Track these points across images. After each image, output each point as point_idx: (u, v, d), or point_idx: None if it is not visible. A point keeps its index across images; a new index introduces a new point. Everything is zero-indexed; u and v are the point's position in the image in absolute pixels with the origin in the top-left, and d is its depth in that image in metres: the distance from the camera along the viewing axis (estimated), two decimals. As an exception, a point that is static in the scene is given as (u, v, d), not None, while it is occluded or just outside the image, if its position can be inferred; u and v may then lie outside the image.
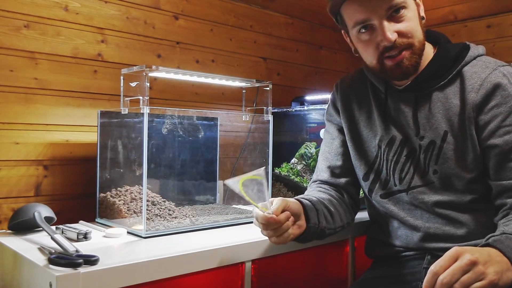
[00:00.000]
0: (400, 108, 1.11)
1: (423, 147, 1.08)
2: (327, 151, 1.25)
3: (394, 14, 1.00)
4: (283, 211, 0.95)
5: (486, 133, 1.02)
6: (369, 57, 1.06)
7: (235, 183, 0.91)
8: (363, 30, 1.03)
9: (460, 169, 1.04)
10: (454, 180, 1.05)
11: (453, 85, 1.06)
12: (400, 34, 1.01)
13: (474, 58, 1.07)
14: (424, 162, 1.08)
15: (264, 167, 0.94)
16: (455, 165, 1.04)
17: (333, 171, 1.22)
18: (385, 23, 1.00)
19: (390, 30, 1.00)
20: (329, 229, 1.11)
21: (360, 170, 1.19)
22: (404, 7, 1.00)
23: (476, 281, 0.76)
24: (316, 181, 1.24)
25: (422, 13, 1.07)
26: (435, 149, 1.06)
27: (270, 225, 0.93)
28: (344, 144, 1.22)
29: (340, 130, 1.24)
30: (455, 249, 0.79)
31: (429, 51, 1.09)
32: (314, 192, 1.18)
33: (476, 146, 1.03)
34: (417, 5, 1.06)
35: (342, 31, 1.13)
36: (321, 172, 1.24)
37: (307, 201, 1.06)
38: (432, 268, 0.77)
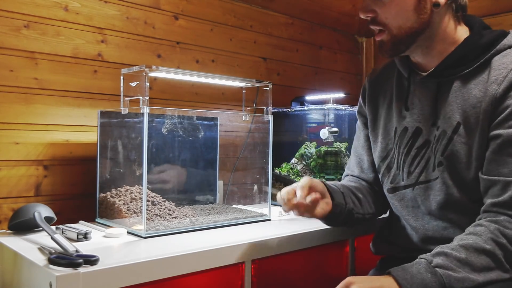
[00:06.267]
0: (421, 96, 1.07)
1: (436, 137, 1.03)
2: (356, 145, 1.26)
3: None
4: (309, 189, 1.00)
5: (494, 124, 0.95)
6: None
7: None
8: None
9: (465, 165, 0.99)
10: (459, 176, 1.00)
11: (479, 75, 0.98)
12: (380, 14, 1.00)
13: (509, 47, 0.98)
14: (434, 154, 1.03)
15: None
16: (462, 160, 0.99)
17: (361, 166, 1.23)
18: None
19: (369, 6, 1.00)
20: (358, 213, 1.13)
21: (376, 163, 1.18)
22: None
23: None
24: (347, 175, 1.27)
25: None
26: (444, 139, 1.01)
27: (299, 208, 0.98)
28: (368, 138, 1.22)
29: (365, 124, 1.23)
30: (346, 280, 0.81)
31: (461, 37, 1.02)
32: (342, 182, 1.21)
33: (484, 142, 0.96)
34: None
35: None
36: (352, 167, 1.26)
37: (330, 184, 1.10)
38: None
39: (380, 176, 1.17)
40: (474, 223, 0.94)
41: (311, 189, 1.00)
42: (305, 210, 0.99)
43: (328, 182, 1.12)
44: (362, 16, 1.01)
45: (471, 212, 0.99)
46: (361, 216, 1.14)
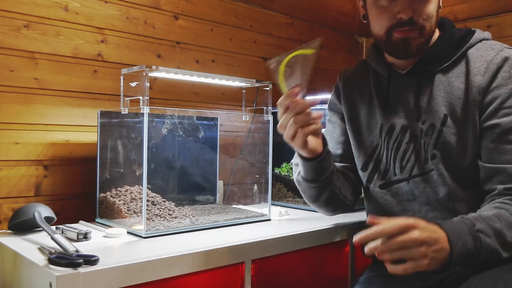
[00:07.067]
0: (402, 93, 1.10)
1: (424, 131, 1.06)
2: (328, 139, 1.26)
3: None
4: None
5: (486, 114, 1.00)
6: (378, 25, 1.05)
7: (279, 63, 0.87)
8: None
9: (459, 154, 1.02)
10: (454, 166, 1.03)
11: (457, 68, 1.05)
12: (418, 13, 1.01)
13: (480, 41, 1.06)
14: (424, 147, 1.06)
15: (321, 37, 0.89)
16: (455, 150, 1.02)
17: (334, 158, 1.24)
18: None
19: (412, 6, 1.00)
20: (335, 185, 1.13)
21: (359, 160, 1.19)
22: None
23: (411, 258, 0.79)
24: None
25: (440, 2, 1.06)
26: (434, 133, 1.04)
27: (297, 106, 0.92)
28: (345, 132, 1.23)
29: (342, 119, 1.24)
30: (410, 222, 0.80)
31: (435, 35, 1.09)
32: None
33: (477, 131, 1.01)
34: None
35: None
36: None
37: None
38: (380, 228, 0.79)
39: (367, 173, 1.18)
40: (493, 202, 0.95)
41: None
42: (304, 120, 0.93)
43: None
44: (406, 17, 1.00)
45: (469, 201, 1.02)
46: (337, 191, 1.15)
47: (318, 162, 1.07)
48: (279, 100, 0.94)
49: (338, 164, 1.23)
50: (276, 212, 1.45)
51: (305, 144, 1.00)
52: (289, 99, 0.93)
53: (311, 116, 0.94)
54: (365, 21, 1.11)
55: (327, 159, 1.09)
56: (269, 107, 1.40)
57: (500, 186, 0.95)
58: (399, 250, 0.79)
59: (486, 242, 0.85)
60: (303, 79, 0.89)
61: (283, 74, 0.88)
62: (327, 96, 1.76)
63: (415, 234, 0.79)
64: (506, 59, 1.00)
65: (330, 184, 1.13)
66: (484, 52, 1.03)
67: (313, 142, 1.03)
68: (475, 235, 0.84)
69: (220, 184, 1.62)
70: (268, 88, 1.40)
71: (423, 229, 0.80)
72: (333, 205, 1.20)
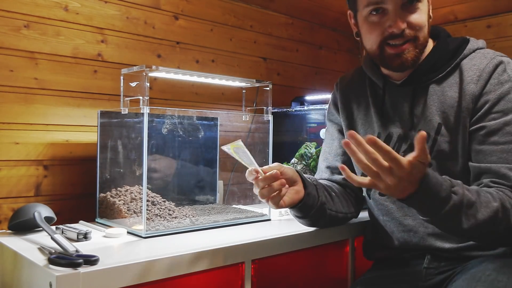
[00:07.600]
0: (397, 103, 1.11)
1: None
2: (327, 151, 1.26)
3: (409, 4, 1.01)
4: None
5: (475, 119, 1.01)
6: (371, 40, 1.06)
7: (228, 148, 1.00)
8: (374, 12, 1.03)
9: (452, 161, 1.03)
10: (447, 173, 1.02)
11: (451, 78, 1.06)
12: (409, 25, 1.01)
13: (474, 51, 1.07)
14: None
15: (239, 140, 1.02)
16: (448, 157, 1.03)
17: (332, 171, 1.24)
18: (400, 11, 1.01)
19: (402, 18, 1.01)
20: (330, 210, 1.13)
21: (358, 168, 1.19)
22: (419, 0, 1.02)
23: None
24: (318, 179, 1.26)
25: (430, 12, 1.07)
26: (429, 142, 1.05)
27: (258, 182, 0.98)
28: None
29: (340, 131, 1.25)
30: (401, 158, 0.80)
31: (429, 45, 1.09)
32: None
33: (466, 136, 1.02)
34: (429, 2, 1.07)
35: (348, 11, 1.13)
36: (322, 172, 1.28)
37: (303, 174, 1.10)
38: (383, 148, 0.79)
39: None
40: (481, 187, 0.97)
41: (280, 174, 1.00)
42: (268, 192, 0.98)
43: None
44: (398, 30, 1.00)
45: None
46: (334, 214, 1.15)
47: (300, 206, 1.07)
48: (246, 175, 1.01)
49: (338, 177, 1.23)
50: (276, 212, 1.45)
51: (281, 204, 1.02)
52: (251, 176, 0.99)
53: (273, 188, 0.98)
54: (358, 38, 1.13)
55: (312, 197, 1.08)
56: (269, 107, 1.40)
57: (486, 180, 0.97)
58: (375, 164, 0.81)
59: (456, 207, 0.87)
60: (251, 157, 1.00)
61: (237, 155, 1.01)
62: (327, 96, 1.77)
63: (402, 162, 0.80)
64: (497, 66, 1.02)
65: (323, 213, 1.13)
66: (477, 61, 1.04)
67: (289, 197, 1.03)
68: (449, 195, 0.87)
69: (220, 184, 1.62)
70: (268, 88, 1.40)
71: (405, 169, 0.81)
72: (335, 224, 1.21)
